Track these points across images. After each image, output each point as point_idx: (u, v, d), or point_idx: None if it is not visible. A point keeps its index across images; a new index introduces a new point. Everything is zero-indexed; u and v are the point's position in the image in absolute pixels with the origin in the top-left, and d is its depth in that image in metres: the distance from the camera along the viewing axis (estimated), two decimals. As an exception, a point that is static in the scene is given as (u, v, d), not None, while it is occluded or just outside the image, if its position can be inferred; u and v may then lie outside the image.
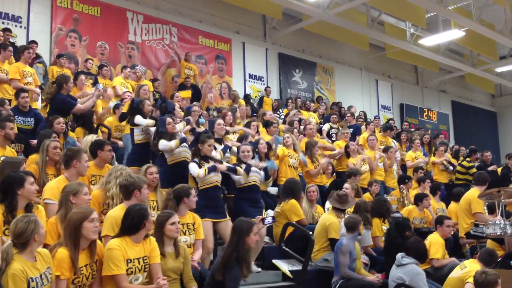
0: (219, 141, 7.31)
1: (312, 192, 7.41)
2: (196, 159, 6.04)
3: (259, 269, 6.17)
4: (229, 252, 4.56)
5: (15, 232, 3.47)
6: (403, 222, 6.76)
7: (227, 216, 6.00)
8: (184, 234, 5.04)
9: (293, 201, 6.80)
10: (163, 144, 6.46)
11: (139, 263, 4.11)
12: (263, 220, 5.33)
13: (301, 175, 8.64)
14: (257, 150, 7.26)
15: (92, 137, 6.39)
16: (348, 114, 13.05)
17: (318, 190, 7.61)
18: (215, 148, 6.63)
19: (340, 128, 11.26)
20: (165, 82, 13.17)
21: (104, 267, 3.98)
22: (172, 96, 9.71)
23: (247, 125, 9.46)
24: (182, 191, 5.17)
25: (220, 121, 7.60)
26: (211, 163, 6.04)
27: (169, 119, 6.71)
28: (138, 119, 6.92)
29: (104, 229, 4.53)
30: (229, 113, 9.31)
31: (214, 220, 5.80)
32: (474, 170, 11.22)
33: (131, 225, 4.14)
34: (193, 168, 5.91)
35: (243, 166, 6.43)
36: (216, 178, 5.98)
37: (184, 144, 6.67)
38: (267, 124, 8.88)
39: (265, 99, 14.18)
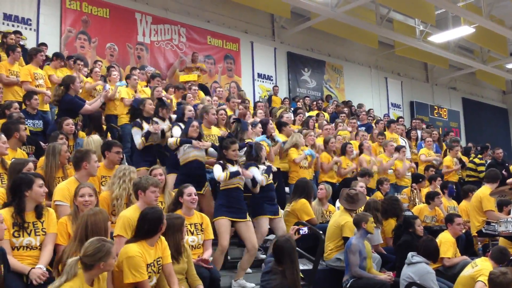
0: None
1: (320, 190, 7.35)
2: (221, 161, 5.97)
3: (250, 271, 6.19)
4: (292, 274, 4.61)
5: (86, 251, 3.52)
6: (408, 219, 6.75)
7: (248, 217, 5.96)
8: (192, 234, 5.01)
9: (303, 200, 6.78)
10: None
11: (154, 266, 4.13)
12: (298, 230, 5.35)
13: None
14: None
15: (97, 138, 6.37)
16: (363, 113, 13.02)
17: (328, 188, 7.51)
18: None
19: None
20: (174, 83, 13.18)
21: (126, 274, 3.93)
22: (185, 97, 9.74)
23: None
24: (177, 192, 5.20)
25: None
26: (236, 167, 5.96)
27: (195, 123, 6.70)
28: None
29: (116, 229, 4.52)
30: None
31: (233, 219, 5.75)
32: (483, 168, 11.15)
33: (149, 229, 4.13)
34: (216, 170, 5.86)
35: (263, 166, 6.42)
36: (238, 180, 5.93)
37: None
38: (280, 124, 8.87)
39: (274, 98, 14.16)
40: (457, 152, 10.99)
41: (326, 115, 12.93)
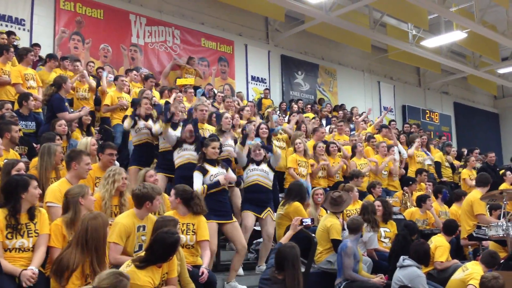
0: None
1: (320, 194, 7.27)
2: (200, 165, 5.95)
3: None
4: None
5: (100, 284, 3.32)
6: (413, 226, 6.79)
7: (233, 218, 5.99)
8: (182, 232, 4.91)
9: (297, 203, 6.75)
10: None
11: (159, 284, 4.07)
12: (302, 221, 5.35)
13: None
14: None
15: (87, 140, 6.36)
16: (357, 116, 13.06)
17: (324, 193, 7.48)
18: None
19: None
20: (168, 84, 13.16)
21: None
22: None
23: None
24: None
25: (227, 114, 7.53)
26: (218, 169, 5.93)
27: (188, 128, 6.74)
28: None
29: (111, 235, 4.44)
30: (236, 115, 9.35)
31: (220, 221, 5.75)
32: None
33: (163, 255, 3.99)
34: (196, 180, 5.77)
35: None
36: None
37: (187, 146, 6.65)
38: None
39: (264, 101, 14.14)
40: (474, 163, 11.01)
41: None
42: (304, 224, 5.39)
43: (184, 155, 6.54)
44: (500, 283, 4.69)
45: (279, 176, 8.34)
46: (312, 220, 5.64)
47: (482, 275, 4.94)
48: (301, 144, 8.51)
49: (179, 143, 6.62)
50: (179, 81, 11.80)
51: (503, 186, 9.06)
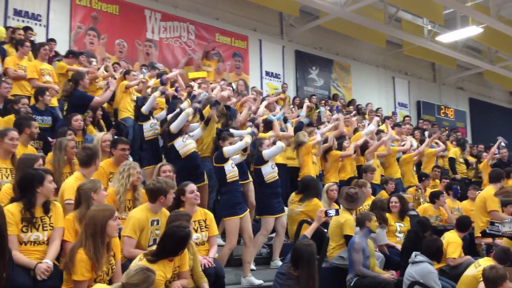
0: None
1: (335, 190, 7.29)
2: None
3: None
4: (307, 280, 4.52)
5: (130, 280, 3.40)
6: (426, 222, 6.80)
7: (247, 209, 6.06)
8: (196, 231, 4.95)
9: (316, 200, 6.81)
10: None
11: (171, 277, 4.11)
12: (326, 212, 5.38)
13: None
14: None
15: (99, 135, 6.44)
16: (373, 113, 13.01)
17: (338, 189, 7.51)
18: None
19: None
20: (183, 80, 13.22)
21: None
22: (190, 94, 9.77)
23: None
24: (177, 191, 5.06)
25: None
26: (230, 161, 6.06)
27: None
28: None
29: (125, 229, 4.50)
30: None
31: (241, 216, 5.79)
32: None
33: (173, 249, 4.00)
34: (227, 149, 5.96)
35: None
36: (233, 173, 5.98)
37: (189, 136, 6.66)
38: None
39: (281, 95, 14.13)
40: (489, 161, 10.90)
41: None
42: (328, 215, 5.41)
43: (189, 144, 6.49)
44: (500, 273, 4.67)
45: (293, 172, 8.44)
46: (337, 211, 5.69)
47: (483, 269, 4.94)
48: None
49: (181, 132, 6.52)
50: (191, 75, 11.86)
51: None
